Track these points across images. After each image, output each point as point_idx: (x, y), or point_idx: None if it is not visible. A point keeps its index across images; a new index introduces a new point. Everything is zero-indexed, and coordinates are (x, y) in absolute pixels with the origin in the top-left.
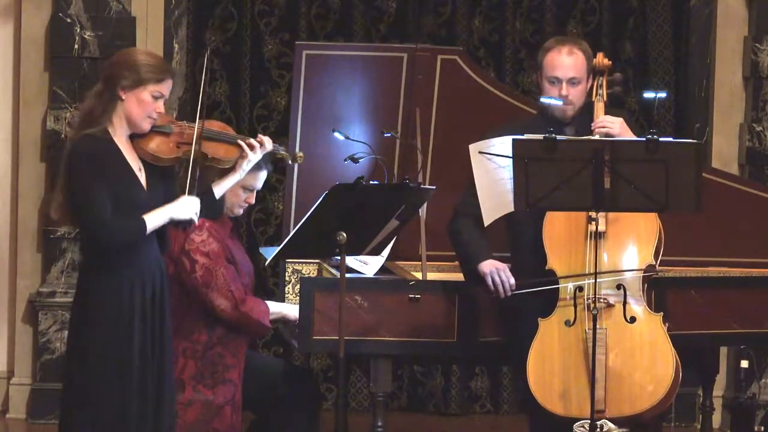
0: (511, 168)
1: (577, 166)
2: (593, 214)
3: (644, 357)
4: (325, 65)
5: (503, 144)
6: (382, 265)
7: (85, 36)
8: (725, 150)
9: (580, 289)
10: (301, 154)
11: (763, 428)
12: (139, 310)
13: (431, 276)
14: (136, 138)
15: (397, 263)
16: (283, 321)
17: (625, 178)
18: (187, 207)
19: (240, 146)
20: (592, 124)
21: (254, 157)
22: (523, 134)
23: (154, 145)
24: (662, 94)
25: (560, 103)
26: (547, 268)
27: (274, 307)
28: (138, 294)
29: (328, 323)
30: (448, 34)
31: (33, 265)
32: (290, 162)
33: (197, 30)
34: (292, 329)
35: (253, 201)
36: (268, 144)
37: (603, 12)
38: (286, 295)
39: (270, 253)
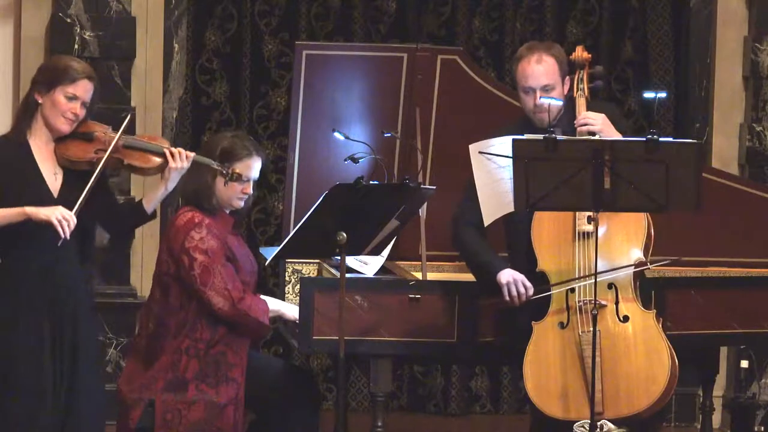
0: (511, 168)
1: (577, 166)
2: (593, 215)
3: (639, 355)
4: (325, 65)
5: (503, 144)
6: (382, 265)
7: (85, 36)
8: (725, 150)
9: (572, 290)
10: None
11: (763, 428)
12: (29, 313)
13: (431, 276)
14: (58, 142)
15: (397, 263)
16: (281, 320)
17: (625, 179)
18: (46, 210)
19: (161, 155)
20: (575, 121)
21: (178, 166)
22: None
23: (69, 148)
24: (662, 94)
25: (560, 102)
26: (538, 270)
27: (273, 305)
28: (28, 300)
29: (328, 323)
30: (448, 34)
31: None
32: (225, 177)
33: (197, 30)
34: (292, 329)
35: (250, 191)
36: (182, 160)
37: (603, 12)
38: (287, 295)
39: (270, 253)
